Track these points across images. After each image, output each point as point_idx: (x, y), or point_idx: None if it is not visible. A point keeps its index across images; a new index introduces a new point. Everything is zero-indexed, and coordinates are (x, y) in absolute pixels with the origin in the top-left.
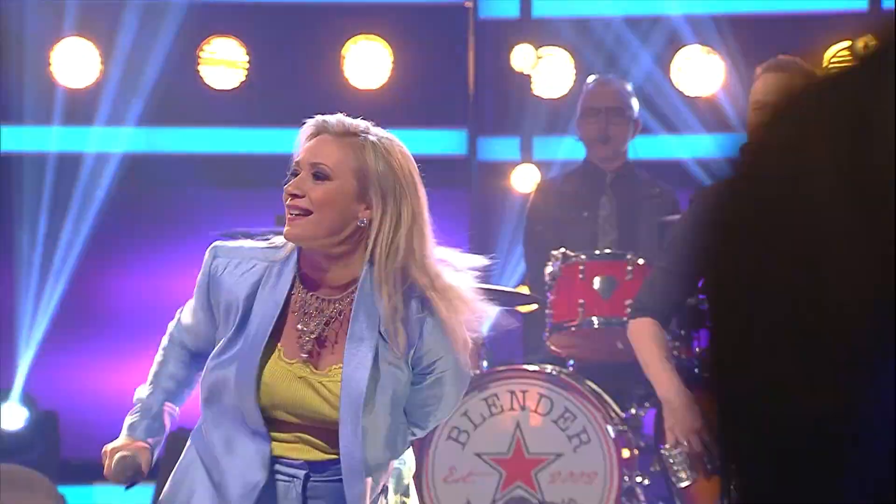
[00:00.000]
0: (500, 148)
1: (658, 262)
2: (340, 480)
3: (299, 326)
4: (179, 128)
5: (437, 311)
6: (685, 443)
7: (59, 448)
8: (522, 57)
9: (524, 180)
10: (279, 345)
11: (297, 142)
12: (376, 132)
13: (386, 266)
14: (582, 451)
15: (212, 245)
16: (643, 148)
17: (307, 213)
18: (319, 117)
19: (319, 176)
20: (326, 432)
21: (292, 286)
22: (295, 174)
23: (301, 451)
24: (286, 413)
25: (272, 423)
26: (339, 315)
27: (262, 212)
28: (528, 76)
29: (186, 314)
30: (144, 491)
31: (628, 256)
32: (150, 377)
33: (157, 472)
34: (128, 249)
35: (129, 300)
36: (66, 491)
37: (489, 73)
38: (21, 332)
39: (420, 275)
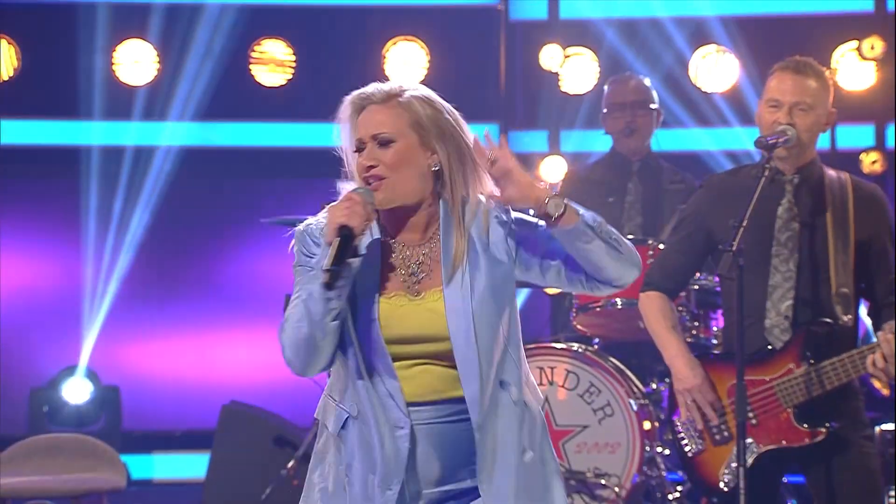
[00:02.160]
0: (529, 141)
1: (667, 240)
2: (444, 422)
3: (401, 271)
4: (232, 122)
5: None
6: (689, 401)
7: (120, 420)
8: (550, 56)
9: (552, 171)
10: (380, 296)
11: (342, 122)
12: (410, 87)
13: (464, 192)
14: (606, 423)
15: (296, 232)
16: (664, 141)
17: (383, 178)
18: (355, 94)
19: (384, 143)
20: (442, 357)
21: (381, 244)
22: (361, 150)
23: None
24: (405, 346)
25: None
26: (429, 256)
27: (309, 200)
28: (556, 74)
29: None
30: (200, 459)
31: (650, 241)
32: None
33: (212, 444)
34: (185, 235)
35: (186, 282)
36: (128, 459)
37: (519, 71)
38: (86, 312)
39: (483, 188)
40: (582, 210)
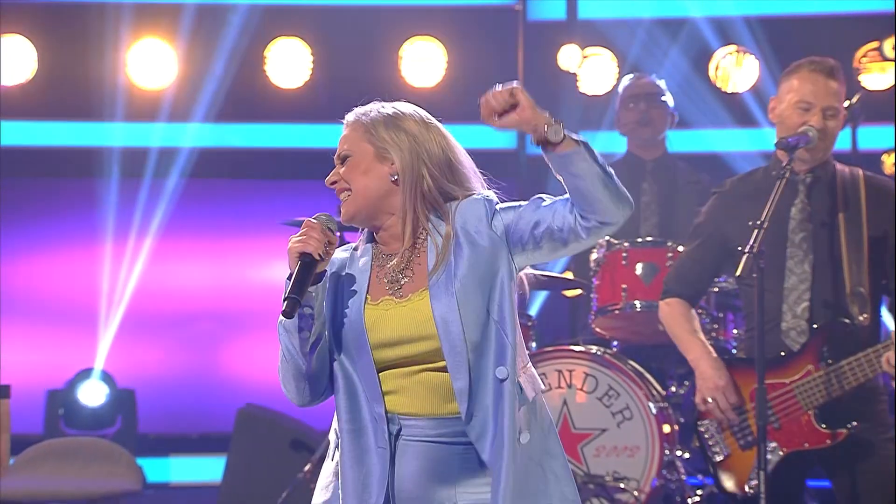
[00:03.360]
0: None
1: (684, 248)
2: (433, 442)
3: (387, 278)
4: (248, 124)
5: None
6: (711, 400)
7: (136, 423)
8: (569, 56)
9: None
10: (367, 304)
11: None
12: (384, 104)
13: (429, 197)
14: (625, 426)
15: None
16: (683, 141)
17: (348, 191)
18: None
19: (343, 159)
20: (433, 357)
21: (372, 258)
22: None
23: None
24: (393, 349)
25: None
26: (413, 260)
27: (324, 202)
28: (574, 75)
29: None
30: (216, 462)
31: (669, 244)
32: None
33: (229, 447)
34: (201, 238)
35: (202, 285)
36: (144, 462)
37: (537, 71)
38: (102, 315)
39: (459, 190)
40: (579, 136)
